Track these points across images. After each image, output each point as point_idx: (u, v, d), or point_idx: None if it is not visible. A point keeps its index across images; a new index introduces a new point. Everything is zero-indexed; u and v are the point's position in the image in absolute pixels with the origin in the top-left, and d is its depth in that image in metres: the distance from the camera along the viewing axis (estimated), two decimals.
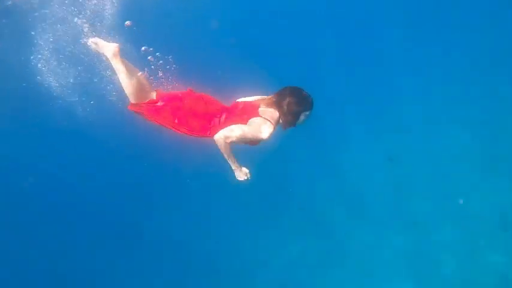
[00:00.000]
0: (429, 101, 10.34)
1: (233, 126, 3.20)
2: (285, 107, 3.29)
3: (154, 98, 3.58)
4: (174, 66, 4.23)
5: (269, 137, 3.25)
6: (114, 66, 3.51)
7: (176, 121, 3.41)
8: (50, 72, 4.69)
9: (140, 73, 3.68)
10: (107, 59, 3.56)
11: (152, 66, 4.10)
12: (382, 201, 9.07)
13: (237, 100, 3.60)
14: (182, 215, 9.39)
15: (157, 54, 4.21)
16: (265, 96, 3.50)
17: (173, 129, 3.47)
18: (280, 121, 3.37)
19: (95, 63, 4.29)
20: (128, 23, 4.08)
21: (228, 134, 3.15)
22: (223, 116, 3.39)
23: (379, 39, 10.81)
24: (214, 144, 3.25)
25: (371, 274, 8.19)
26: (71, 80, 4.85)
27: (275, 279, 8.61)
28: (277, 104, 3.34)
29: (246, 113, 3.33)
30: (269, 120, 3.26)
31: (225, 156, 3.24)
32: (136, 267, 8.96)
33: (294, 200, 9.61)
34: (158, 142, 6.30)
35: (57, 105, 5.66)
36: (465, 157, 9.19)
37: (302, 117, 3.37)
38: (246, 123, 3.25)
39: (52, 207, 8.74)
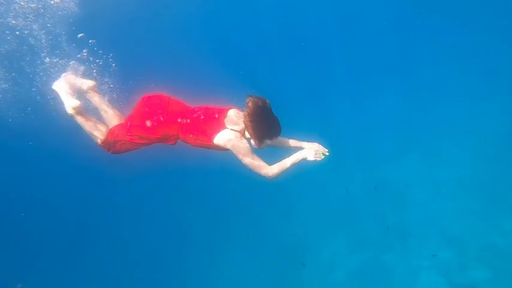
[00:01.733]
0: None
1: (254, 165, 3.16)
2: (251, 129, 3.18)
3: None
4: (113, 65, 3.79)
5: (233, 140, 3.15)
6: (78, 122, 3.30)
7: (142, 136, 3.27)
8: None
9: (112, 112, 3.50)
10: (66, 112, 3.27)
11: (85, 63, 3.63)
12: (339, 220, 9.09)
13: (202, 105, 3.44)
14: (128, 218, 9.27)
15: (99, 51, 3.75)
16: (235, 109, 3.36)
17: (142, 145, 3.35)
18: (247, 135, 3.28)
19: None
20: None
21: (266, 170, 3.19)
22: (189, 120, 3.27)
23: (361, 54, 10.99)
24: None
25: None
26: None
27: None
28: (244, 120, 3.21)
29: (211, 122, 3.21)
30: (235, 130, 3.18)
31: (289, 167, 3.24)
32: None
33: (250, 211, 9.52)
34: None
35: None
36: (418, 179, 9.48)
37: (267, 141, 3.29)
38: (216, 130, 3.16)
39: None
